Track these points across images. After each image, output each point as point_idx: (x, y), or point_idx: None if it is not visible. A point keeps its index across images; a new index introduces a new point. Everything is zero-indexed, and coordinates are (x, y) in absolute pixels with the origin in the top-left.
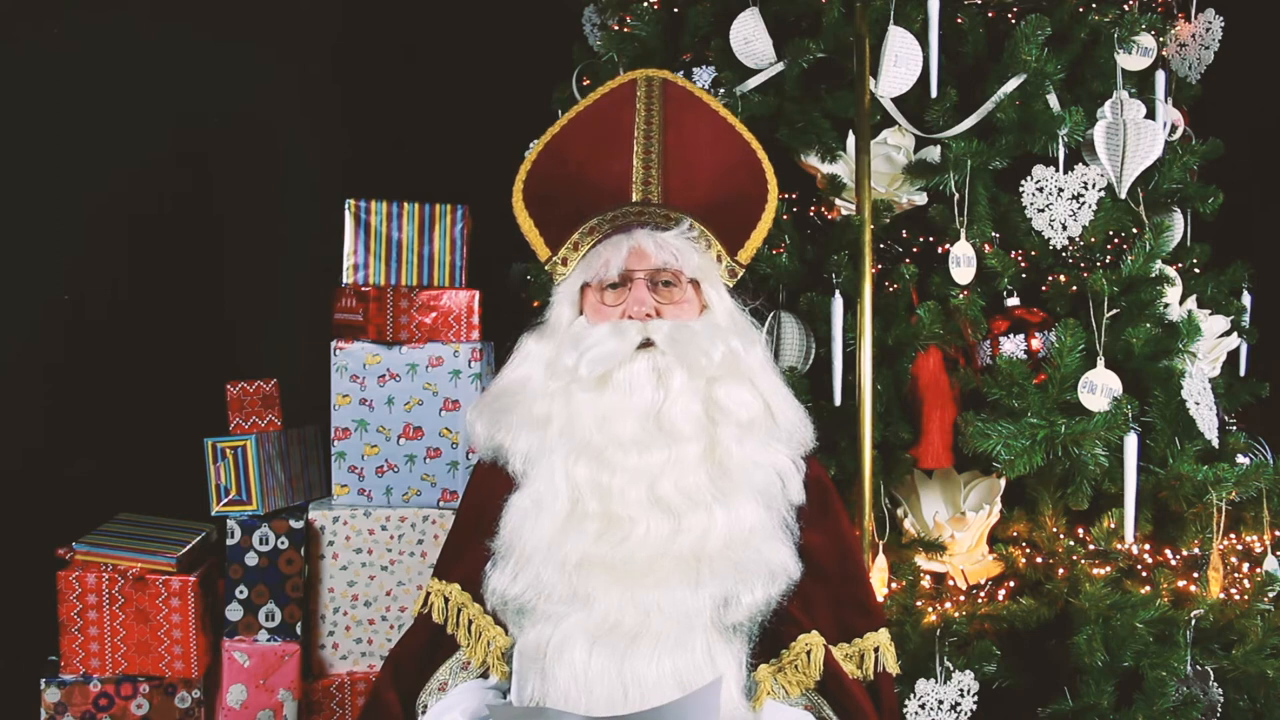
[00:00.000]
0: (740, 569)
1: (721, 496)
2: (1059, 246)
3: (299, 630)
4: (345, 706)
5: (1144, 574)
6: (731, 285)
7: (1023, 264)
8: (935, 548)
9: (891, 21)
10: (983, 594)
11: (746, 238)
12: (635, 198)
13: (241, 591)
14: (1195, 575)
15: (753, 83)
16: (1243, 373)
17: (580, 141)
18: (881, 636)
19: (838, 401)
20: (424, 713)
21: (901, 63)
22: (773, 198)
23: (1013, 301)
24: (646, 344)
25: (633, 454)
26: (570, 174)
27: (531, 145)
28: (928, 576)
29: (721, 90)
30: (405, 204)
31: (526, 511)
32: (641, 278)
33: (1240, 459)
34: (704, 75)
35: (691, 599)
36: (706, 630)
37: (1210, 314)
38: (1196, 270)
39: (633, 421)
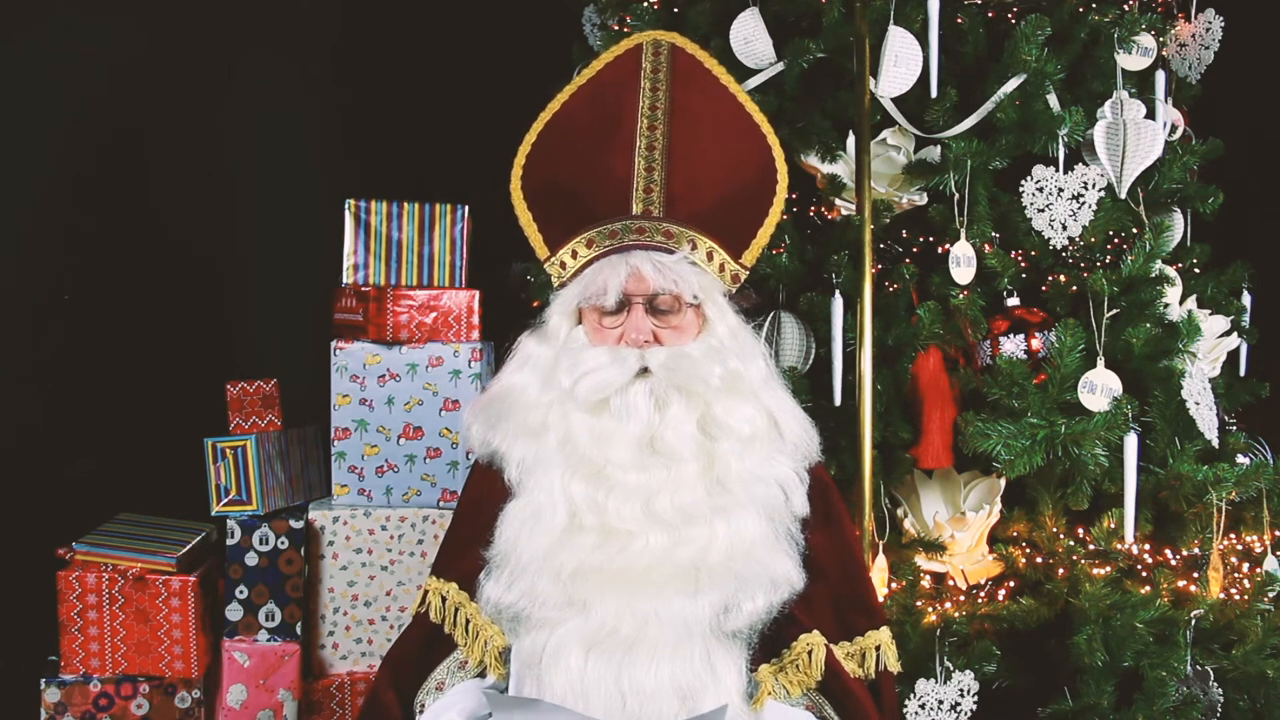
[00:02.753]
0: (741, 579)
1: (721, 511)
2: (1059, 246)
3: (299, 630)
4: (345, 706)
5: (1144, 574)
6: (734, 291)
7: (1023, 264)
8: (935, 548)
9: (891, 21)
10: (983, 594)
11: (752, 237)
12: (636, 209)
13: (241, 591)
14: (1195, 575)
15: (753, 83)
16: (1243, 373)
17: (581, 122)
18: (882, 635)
19: (838, 401)
20: (421, 712)
21: (901, 63)
22: (781, 190)
23: (1013, 301)
24: (644, 371)
25: (632, 473)
26: (570, 162)
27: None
28: (928, 576)
29: None
30: (405, 204)
31: (523, 522)
32: (640, 303)
33: (1240, 459)
34: None
35: (690, 607)
36: (705, 637)
37: (1210, 314)
38: (1196, 270)
39: (628, 447)
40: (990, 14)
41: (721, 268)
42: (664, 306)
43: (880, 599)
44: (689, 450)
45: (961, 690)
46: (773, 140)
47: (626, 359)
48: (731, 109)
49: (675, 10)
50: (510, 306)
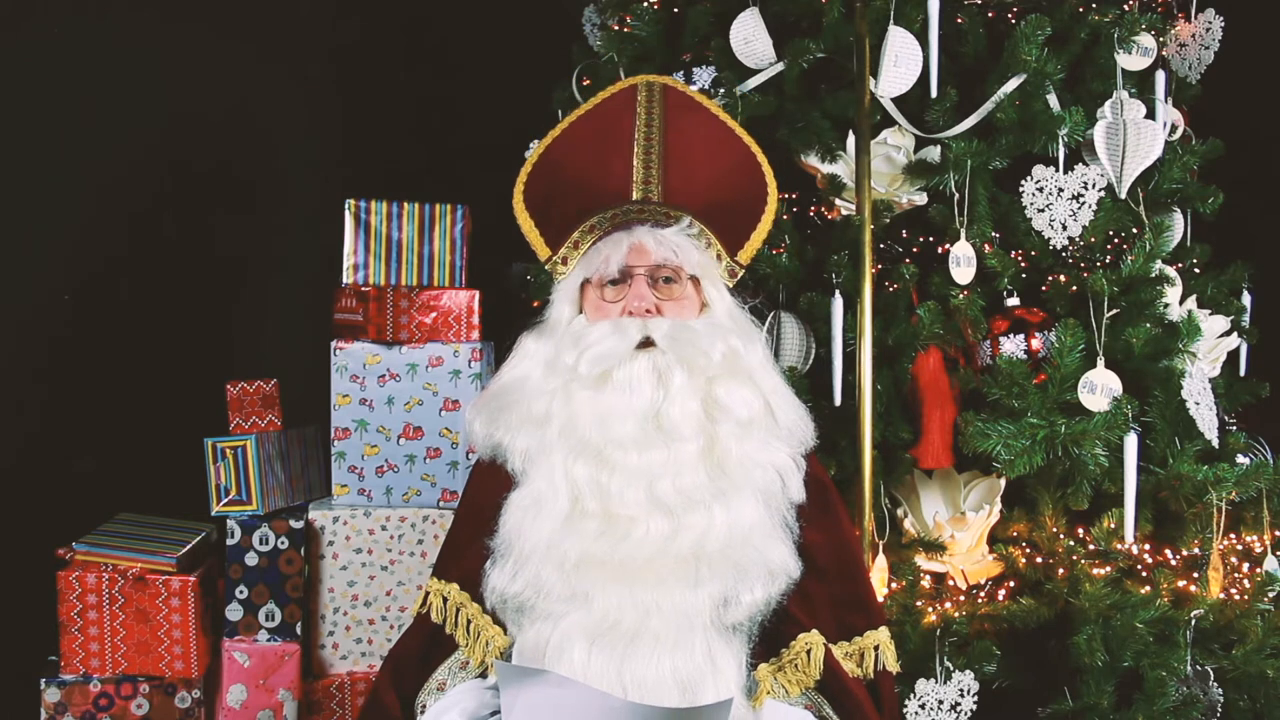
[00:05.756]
0: (740, 568)
1: (720, 495)
2: (1059, 246)
3: (299, 630)
4: (345, 706)
5: (1144, 574)
6: (731, 285)
7: (1023, 264)
8: (935, 548)
9: (891, 21)
10: (983, 594)
11: (746, 239)
12: (635, 196)
13: (241, 591)
14: (1195, 575)
15: (753, 83)
16: (1243, 373)
17: (581, 144)
18: (881, 635)
19: (838, 401)
20: (423, 713)
21: (901, 63)
22: (772, 200)
23: (1013, 301)
24: (647, 342)
25: (632, 453)
26: (571, 176)
27: (532, 147)
28: (928, 576)
29: (721, 90)
30: (405, 204)
31: (526, 510)
32: (642, 274)
33: (1240, 459)
34: (704, 75)
35: (691, 598)
36: (706, 630)
37: (1210, 314)
38: (1196, 270)
39: (632, 421)
40: (990, 14)
41: (719, 256)
42: (666, 276)
43: (880, 599)
44: (691, 429)
45: (961, 690)
46: (762, 159)
47: (628, 329)
48: (721, 130)
49: (675, 10)
50: (510, 306)
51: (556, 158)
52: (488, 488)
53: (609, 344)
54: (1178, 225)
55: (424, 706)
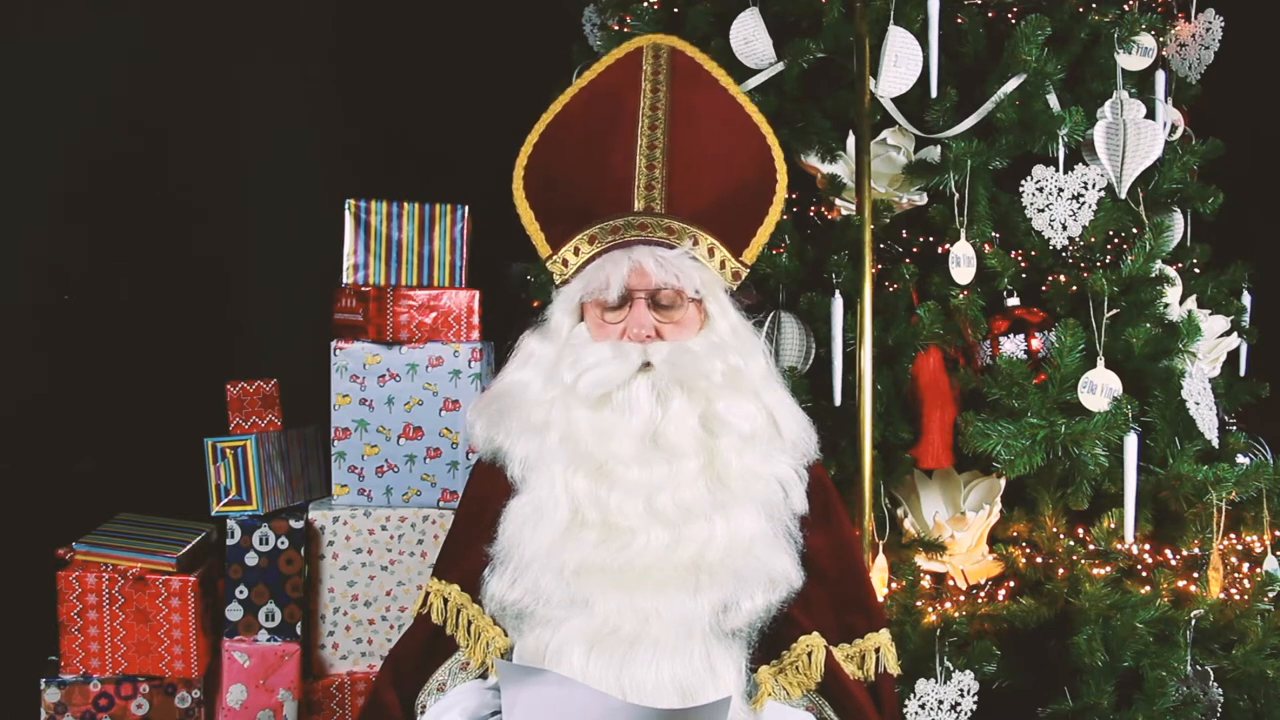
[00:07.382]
0: (740, 577)
1: (721, 507)
2: (1059, 246)
3: (299, 630)
4: (345, 706)
5: (1144, 574)
6: (735, 289)
7: (1023, 264)
8: (935, 548)
9: (891, 21)
10: (983, 594)
11: (752, 235)
12: (638, 205)
13: (241, 591)
14: (1195, 575)
15: (753, 83)
16: (1243, 373)
17: (583, 123)
18: (882, 637)
19: (838, 401)
20: (423, 713)
21: (901, 63)
22: (781, 189)
23: (1013, 301)
24: (646, 366)
25: (633, 468)
26: (572, 161)
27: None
28: (928, 576)
29: None
30: (405, 204)
31: (526, 518)
32: (642, 298)
33: (1240, 459)
34: None
35: (690, 605)
36: (705, 636)
37: (1210, 314)
38: (1196, 270)
39: (631, 441)
40: (990, 14)
41: (722, 264)
42: (666, 301)
43: (880, 599)
44: (690, 446)
45: (961, 690)
46: (772, 140)
47: (629, 354)
48: (731, 109)
49: (675, 10)
50: (510, 306)
51: (558, 138)
52: (488, 489)
53: (609, 369)
54: (1178, 225)
55: (424, 707)
